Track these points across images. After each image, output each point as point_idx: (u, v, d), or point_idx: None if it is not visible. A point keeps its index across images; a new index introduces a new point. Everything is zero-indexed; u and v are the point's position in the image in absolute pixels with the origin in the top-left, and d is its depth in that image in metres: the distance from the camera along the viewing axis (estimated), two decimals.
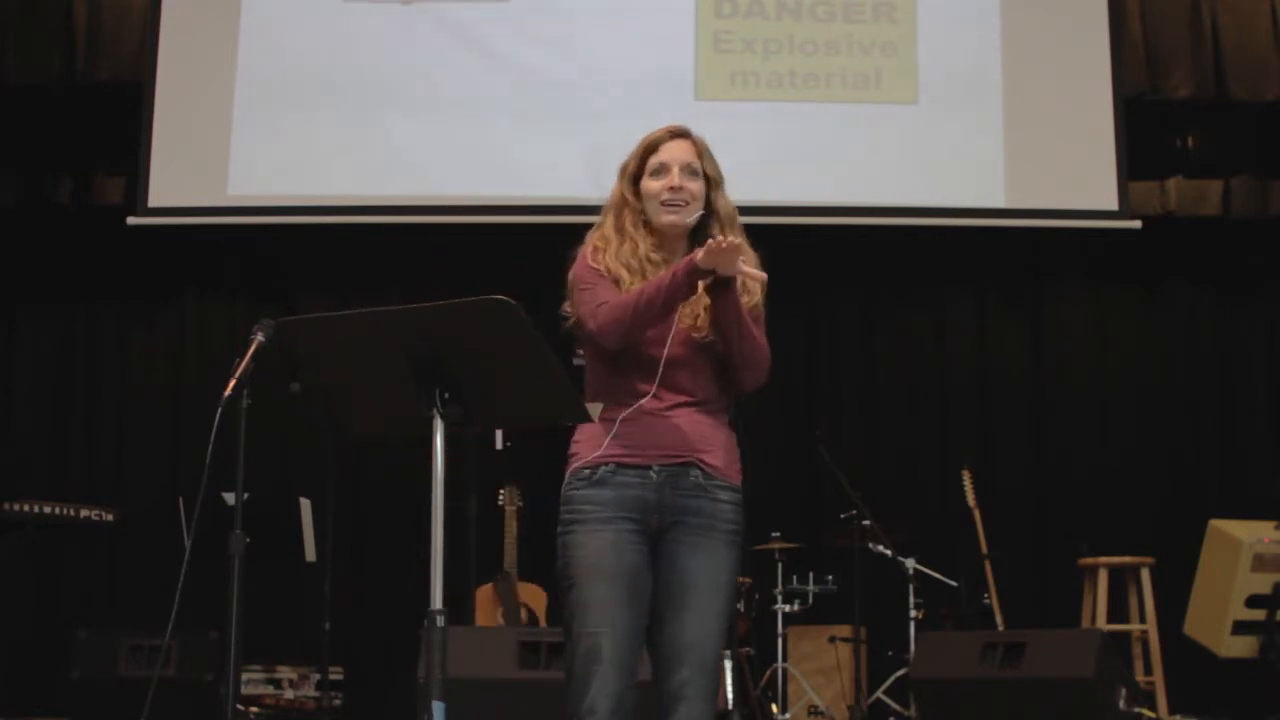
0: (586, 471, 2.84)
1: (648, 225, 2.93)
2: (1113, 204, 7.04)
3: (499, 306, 2.56)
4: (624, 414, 2.82)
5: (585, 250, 2.94)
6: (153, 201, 7.02)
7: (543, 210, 6.81)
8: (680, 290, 2.76)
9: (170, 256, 7.47)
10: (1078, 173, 7.07)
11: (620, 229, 2.93)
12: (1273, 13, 7.26)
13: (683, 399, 2.85)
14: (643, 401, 2.82)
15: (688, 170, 2.91)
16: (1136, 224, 7.12)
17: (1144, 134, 7.21)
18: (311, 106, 7.06)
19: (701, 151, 2.95)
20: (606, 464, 2.82)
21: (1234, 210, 7.43)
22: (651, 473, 2.82)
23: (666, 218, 2.90)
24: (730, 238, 2.74)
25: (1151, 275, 7.66)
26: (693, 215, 2.90)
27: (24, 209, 7.45)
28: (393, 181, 7.06)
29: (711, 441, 2.87)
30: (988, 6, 7.16)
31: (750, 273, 2.80)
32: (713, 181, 2.94)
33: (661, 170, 2.92)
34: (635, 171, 2.95)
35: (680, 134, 2.96)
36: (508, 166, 7.02)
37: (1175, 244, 7.54)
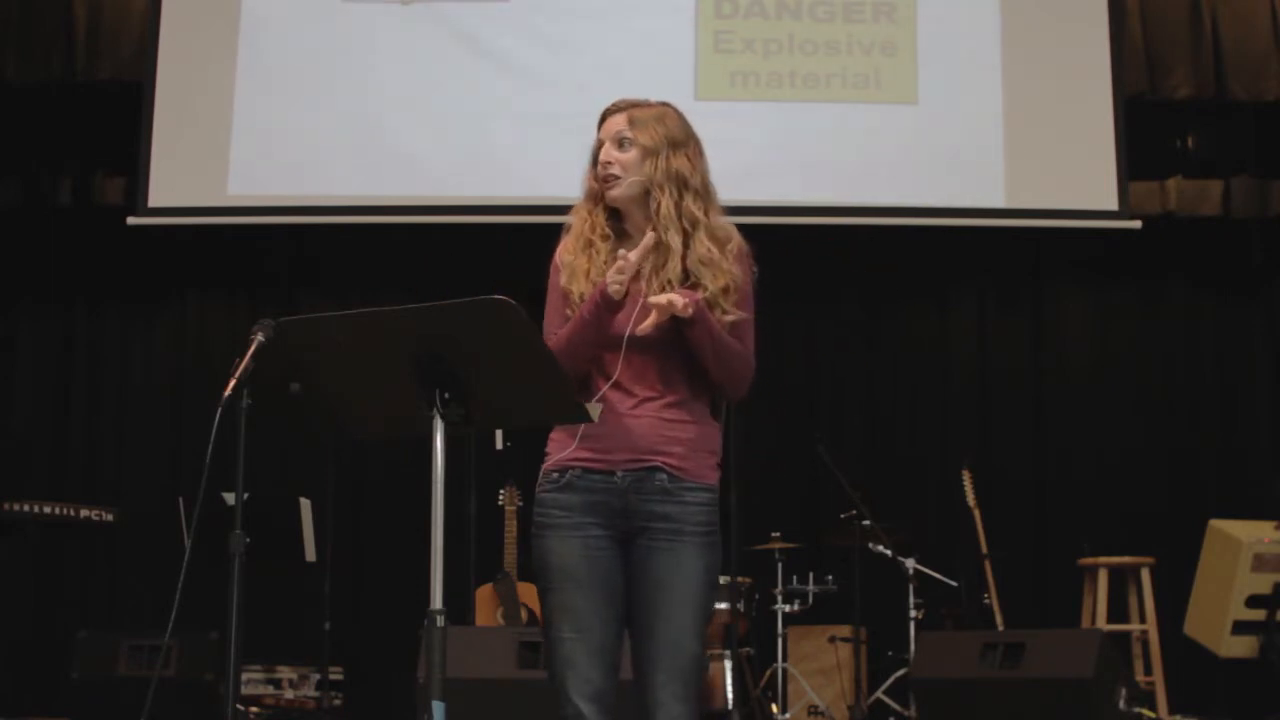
0: (555, 475, 2.83)
1: (605, 201, 2.92)
2: (1113, 204, 7.03)
3: (499, 306, 2.55)
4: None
5: (559, 252, 2.94)
6: (153, 201, 7.01)
7: (543, 210, 6.79)
8: (601, 319, 2.75)
9: (170, 256, 7.47)
10: (1078, 172, 7.06)
11: (583, 208, 2.94)
12: (1273, 13, 7.26)
13: (651, 393, 2.81)
14: (606, 391, 2.80)
15: (616, 142, 2.91)
16: (1136, 224, 7.11)
17: (1144, 134, 7.20)
18: (311, 107, 7.06)
19: (636, 120, 2.93)
20: (573, 467, 2.81)
21: (1234, 210, 7.42)
22: (616, 478, 2.79)
23: (606, 193, 2.90)
24: (619, 265, 2.70)
25: (1151, 275, 7.65)
26: (622, 187, 2.88)
27: (24, 209, 7.45)
28: (393, 181, 7.06)
29: (677, 441, 2.81)
30: (988, 7, 7.15)
31: (659, 303, 2.72)
32: (647, 150, 2.89)
33: (600, 147, 2.94)
34: (593, 151, 2.97)
35: (619, 108, 2.97)
36: (508, 166, 7.01)
37: (1175, 244, 7.53)
